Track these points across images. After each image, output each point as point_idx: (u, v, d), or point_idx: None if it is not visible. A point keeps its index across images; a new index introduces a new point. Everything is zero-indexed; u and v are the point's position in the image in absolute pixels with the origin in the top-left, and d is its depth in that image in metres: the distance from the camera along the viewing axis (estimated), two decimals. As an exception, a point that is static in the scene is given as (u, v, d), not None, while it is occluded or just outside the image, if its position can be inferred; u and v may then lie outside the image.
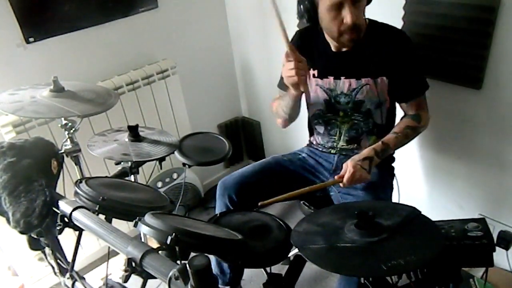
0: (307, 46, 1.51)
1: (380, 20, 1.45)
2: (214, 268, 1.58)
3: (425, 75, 1.46)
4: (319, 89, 1.51)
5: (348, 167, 1.34)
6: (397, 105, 1.54)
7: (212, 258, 1.47)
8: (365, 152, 1.38)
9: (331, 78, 1.48)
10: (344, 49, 1.44)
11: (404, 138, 1.43)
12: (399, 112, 1.56)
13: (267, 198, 1.62)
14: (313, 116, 1.60)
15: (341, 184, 1.36)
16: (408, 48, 1.41)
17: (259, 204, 1.28)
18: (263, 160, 1.66)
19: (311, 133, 1.69)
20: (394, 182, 1.60)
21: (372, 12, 1.40)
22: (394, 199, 1.61)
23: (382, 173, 1.55)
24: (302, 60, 1.28)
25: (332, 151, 1.60)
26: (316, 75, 1.51)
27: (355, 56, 1.42)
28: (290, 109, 1.48)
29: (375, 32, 1.42)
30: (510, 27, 1.35)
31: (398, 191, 1.59)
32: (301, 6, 1.38)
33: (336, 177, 1.37)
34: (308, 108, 1.61)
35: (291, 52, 1.27)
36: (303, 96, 1.59)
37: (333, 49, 1.46)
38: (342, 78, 1.46)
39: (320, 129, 1.60)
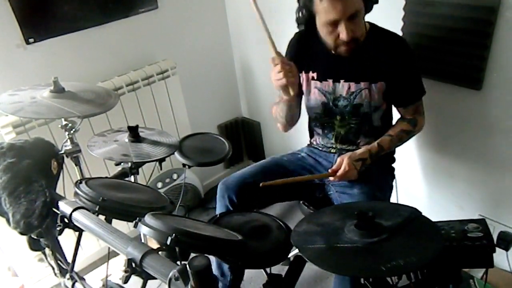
0: (306, 48, 1.51)
1: (380, 21, 1.45)
2: (215, 270, 1.58)
3: (421, 80, 1.47)
4: (317, 91, 1.51)
5: (343, 164, 1.40)
6: (393, 106, 1.55)
7: (213, 260, 1.47)
8: (361, 152, 1.43)
9: (330, 81, 1.48)
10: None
11: (398, 141, 1.49)
12: (396, 114, 1.56)
13: (267, 199, 1.66)
14: (311, 119, 1.62)
15: (331, 178, 1.43)
16: (406, 55, 1.42)
17: (261, 185, 1.34)
18: (263, 161, 1.67)
19: (311, 135, 1.69)
20: (394, 183, 1.60)
21: (372, 13, 1.39)
22: (393, 199, 1.61)
23: (382, 173, 1.55)
24: (289, 64, 1.31)
25: (332, 150, 1.60)
26: (315, 77, 1.51)
27: (355, 59, 1.42)
28: (286, 114, 1.52)
29: (376, 37, 1.42)
30: (510, 27, 1.35)
31: (396, 192, 1.60)
32: (300, 14, 1.39)
33: (330, 170, 1.43)
34: (307, 110, 1.61)
35: (277, 56, 1.30)
36: (303, 101, 1.60)
37: (332, 51, 1.46)
38: (342, 81, 1.46)
39: (319, 131, 1.61)
